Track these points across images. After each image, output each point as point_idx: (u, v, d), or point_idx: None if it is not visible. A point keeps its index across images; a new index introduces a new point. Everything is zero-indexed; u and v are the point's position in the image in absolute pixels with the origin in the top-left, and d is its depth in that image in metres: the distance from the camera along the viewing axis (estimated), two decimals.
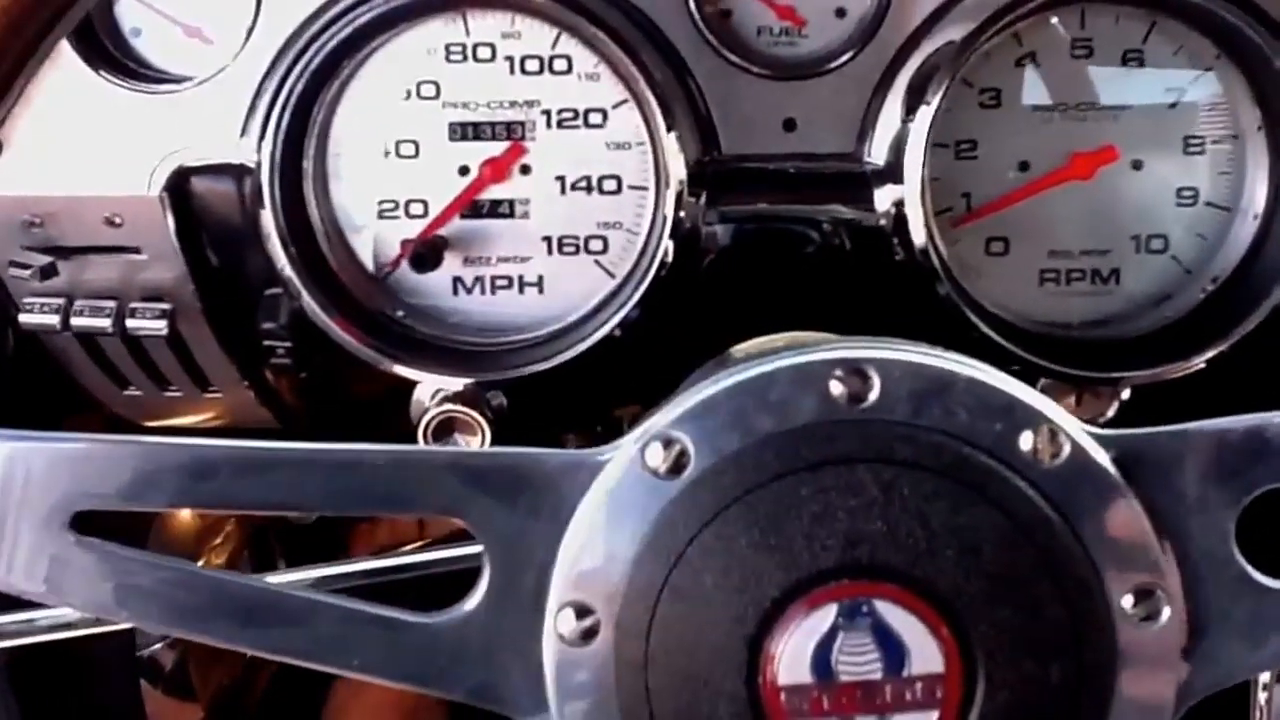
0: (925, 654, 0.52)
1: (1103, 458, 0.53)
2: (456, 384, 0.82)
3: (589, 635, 0.52)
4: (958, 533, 0.51)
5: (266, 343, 0.84)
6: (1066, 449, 0.53)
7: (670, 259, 0.82)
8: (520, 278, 0.86)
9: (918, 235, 0.81)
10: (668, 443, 0.52)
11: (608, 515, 0.52)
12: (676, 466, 0.52)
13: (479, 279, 0.86)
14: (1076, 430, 0.53)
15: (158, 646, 0.99)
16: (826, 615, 0.52)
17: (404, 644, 0.51)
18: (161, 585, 0.50)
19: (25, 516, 0.49)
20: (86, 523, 0.49)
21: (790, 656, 0.52)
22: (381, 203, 0.85)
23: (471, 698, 0.52)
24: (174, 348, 0.85)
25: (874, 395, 0.52)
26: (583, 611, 0.52)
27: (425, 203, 0.84)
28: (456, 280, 0.86)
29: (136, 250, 0.82)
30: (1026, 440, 0.52)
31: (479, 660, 0.52)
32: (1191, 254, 0.86)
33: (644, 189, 0.83)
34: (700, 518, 0.52)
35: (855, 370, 0.53)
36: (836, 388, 0.52)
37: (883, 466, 0.52)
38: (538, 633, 0.52)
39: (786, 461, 0.52)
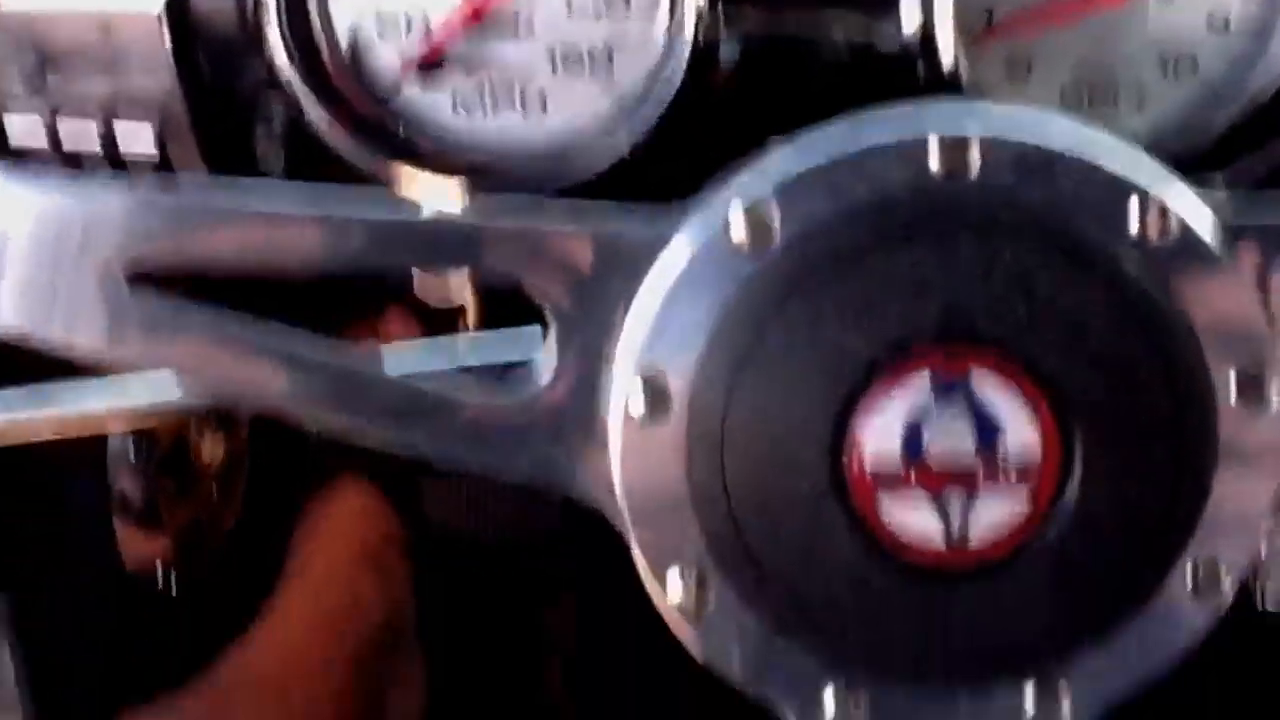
0: (1021, 432, 0.48)
1: (1214, 237, 0.50)
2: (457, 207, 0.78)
3: (660, 413, 0.48)
4: (1062, 307, 0.48)
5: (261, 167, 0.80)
6: (1176, 227, 0.49)
7: (683, 77, 0.77)
8: (522, 93, 0.81)
9: (946, 56, 0.77)
10: (753, 208, 0.48)
11: (685, 284, 0.48)
12: (762, 235, 0.48)
13: (480, 95, 0.81)
14: (1188, 207, 0.49)
15: (125, 479, 0.97)
16: (919, 390, 0.48)
17: (462, 424, 0.47)
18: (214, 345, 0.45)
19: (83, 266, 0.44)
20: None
21: (878, 433, 0.48)
22: (381, 17, 0.80)
23: (532, 480, 0.48)
24: (162, 170, 0.80)
25: (975, 166, 0.49)
26: (654, 388, 0.48)
27: (426, 17, 0.79)
28: (456, 96, 0.81)
29: (128, 67, 0.77)
30: (1134, 216, 0.49)
31: (541, 441, 0.48)
32: (1221, 79, 0.83)
33: (655, 3, 0.79)
34: (786, 287, 0.48)
35: (955, 139, 0.49)
36: (936, 155, 0.49)
37: (984, 237, 0.48)
38: (604, 411, 0.48)
39: (881, 230, 0.48)
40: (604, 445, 0.48)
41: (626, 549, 0.49)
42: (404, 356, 0.49)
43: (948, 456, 0.48)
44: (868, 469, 0.48)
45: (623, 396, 0.48)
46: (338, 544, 1.09)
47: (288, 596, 1.03)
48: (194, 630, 1.00)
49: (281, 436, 1.18)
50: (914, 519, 0.48)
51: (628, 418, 0.48)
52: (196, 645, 0.92)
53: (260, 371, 0.45)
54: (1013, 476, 0.48)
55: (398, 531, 1.13)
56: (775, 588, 0.49)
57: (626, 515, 0.48)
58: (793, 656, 0.50)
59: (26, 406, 0.52)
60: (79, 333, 0.45)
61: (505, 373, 0.48)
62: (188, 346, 0.45)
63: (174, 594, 1.01)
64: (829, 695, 0.50)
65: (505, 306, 0.53)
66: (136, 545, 0.99)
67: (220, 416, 1.06)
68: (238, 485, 1.11)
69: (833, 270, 0.47)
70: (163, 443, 0.99)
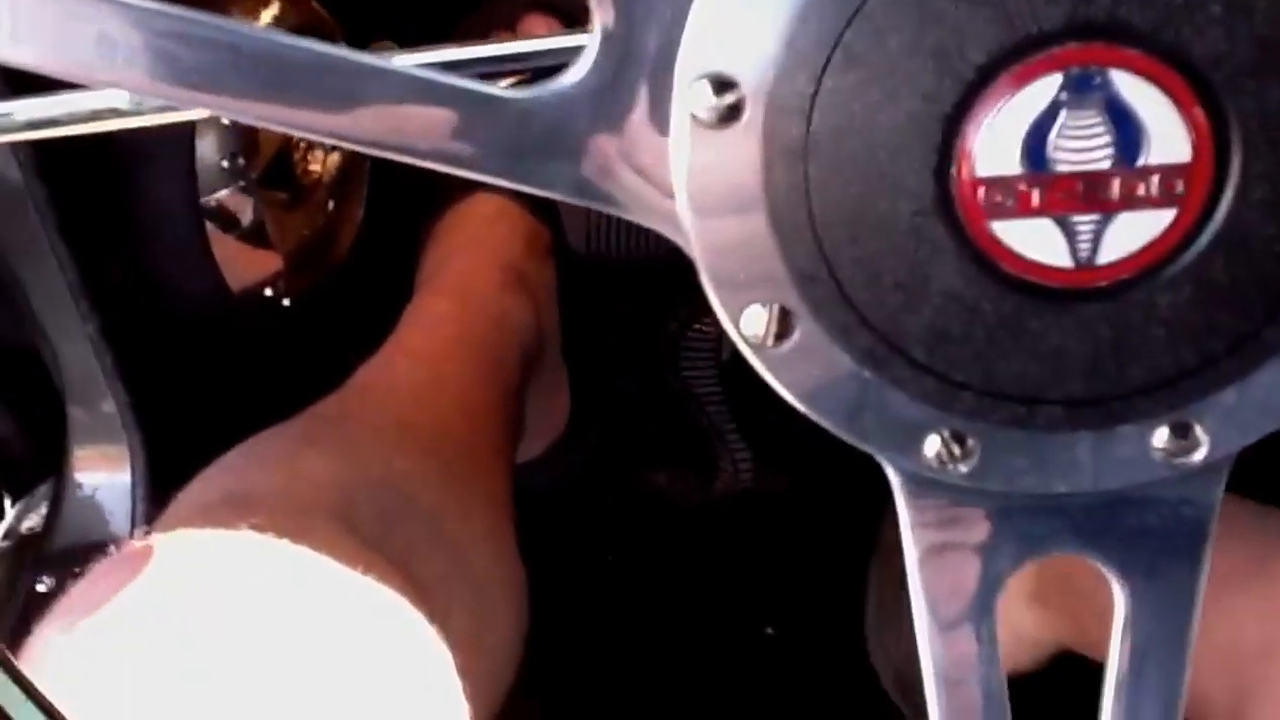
0: (1168, 139, 0.40)
1: None
2: None
3: (731, 115, 0.40)
4: None
5: None
6: None
7: None
8: None
9: None
10: None
11: None
12: None
13: None
14: None
15: (225, 193, 0.88)
16: (1047, 89, 0.40)
17: (489, 125, 0.39)
18: (159, 38, 0.38)
19: None
20: None
21: (995, 141, 0.40)
22: None
23: (568, 192, 0.41)
24: None
25: None
26: (723, 85, 0.40)
27: None
28: None
29: None
30: None
31: (581, 147, 0.41)
32: None
33: None
34: None
35: None
36: None
37: None
38: (661, 114, 0.41)
39: None
40: (660, 157, 0.41)
41: None
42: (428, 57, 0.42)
43: (1078, 171, 0.40)
44: (979, 191, 0.40)
45: (683, 97, 0.40)
46: (477, 254, 1.00)
47: (424, 306, 0.94)
48: (312, 350, 0.94)
49: None
50: (1034, 239, 0.41)
51: (693, 124, 0.40)
52: (314, 367, 0.83)
53: (213, 67, 0.38)
54: (1154, 190, 0.40)
55: (542, 239, 1.05)
56: (868, 320, 0.42)
57: (693, 241, 0.41)
58: (890, 397, 0.43)
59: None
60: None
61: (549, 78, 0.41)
62: (106, 47, 0.38)
63: (287, 317, 0.94)
64: (933, 440, 0.44)
65: None
66: (243, 266, 0.91)
67: None
68: (356, 196, 1.02)
69: None
70: (264, 151, 0.90)
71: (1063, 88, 0.40)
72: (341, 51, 0.38)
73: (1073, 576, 0.82)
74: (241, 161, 0.87)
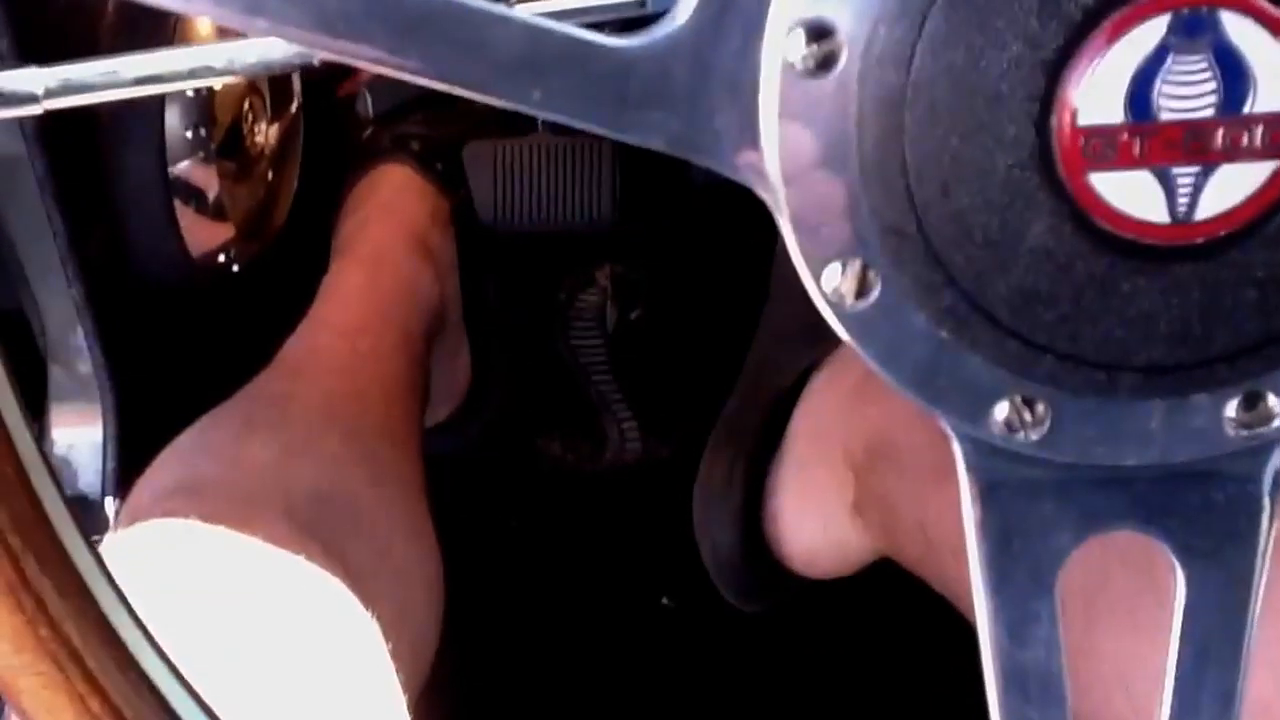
0: (1276, 87, 0.38)
1: None
2: None
3: (827, 63, 0.37)
4: None
5: None
6: None
7: None
8: None
9: None
10: None
11: None
12: None
13: None
14: None
15: (184, 164, 0.90)
16: (1152, 32, 0.38)
17: (594, 73, 0.36)
18: None
19: None
20: None
21: (1098, 89, 0.38)
22: None
23: (665, 143, 0.38)
24: None
25: None
26: (820, 32, 0.37)
27: None
28: None
29: None
30: None
31: (679, 96, 0.38)
32: None
33: None
34: None
35: None
36: None
37: None
38: (755, 63, 0.38)
39: None
40: (753, 107, 0.38)
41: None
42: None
43: (1181, 120, 0.38)
44: (1081, 140, 0.38)
45: (779, 43, 0.37)
46: (385, 223, 1.04)
47: (340, 278, 0.99)
48: (257, 315, 0.96)
49: (330, 114, 1.11)
50: (1132, 193, 0.39)
51: (785, 69, 0.37)
52: (257, 331, 0.89)
53: (350, 11, 0.34)
54: (1258, 141, 0.38)
55: (443, 210, 1.09)
56: (954, 278, 0.39)
57: (780, 195, 0.38)
58: (966, 360, 0.41)
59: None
60: None
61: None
62: None
63: (238, 279, 0.97)
64: (1003, 406, 0.41)
65: None
66: (201, 231, 0.94)
67: (274, 94, 1.00)
68: (291, 168, 1.06)
69: None
70: (220, 121, 0.93)
71: (1170, 29, 0.37)
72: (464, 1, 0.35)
73: (888, 495, 0.87)
74: (204, 132, 0.89)
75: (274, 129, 1.01)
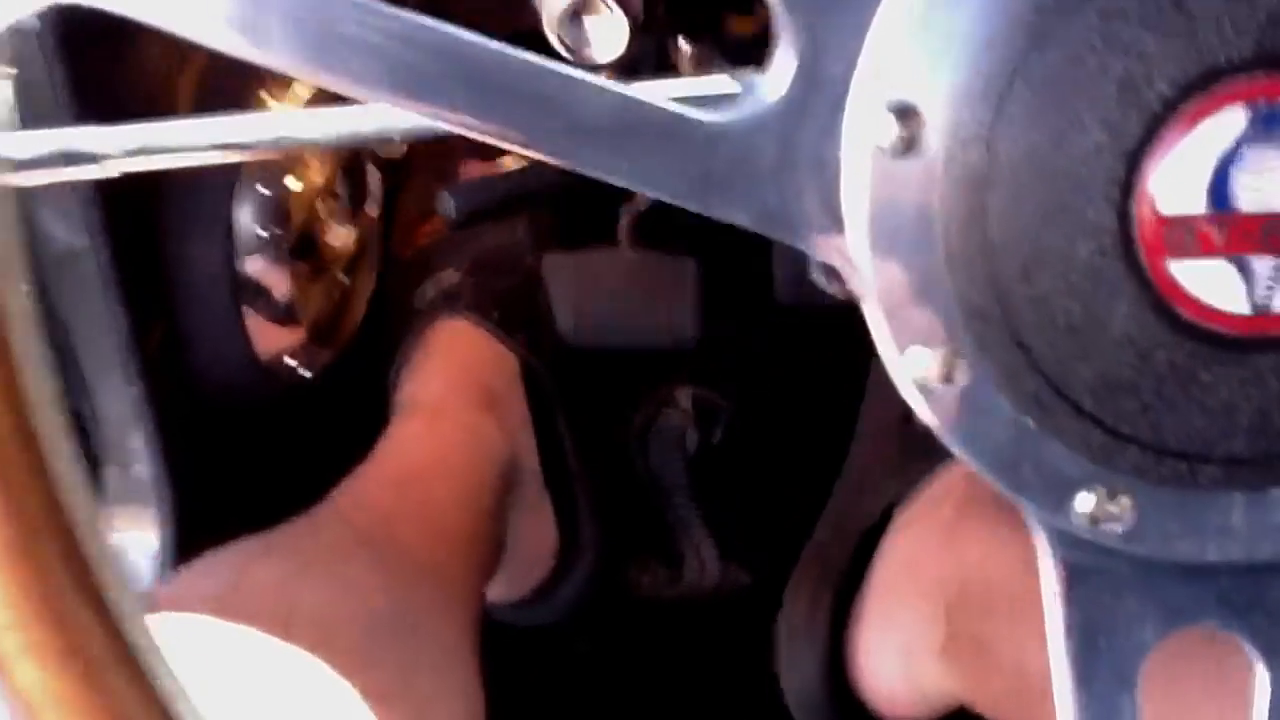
0: None
1: None
2: None
3: (909, 145, 0.39)
4: None
5: None
6: None
7: None
8: None
9: None
10: None
11: None
12: None
13: None
14: None
15: (254, 263, 0.88)
16: (1232, 123, 0.39)
17: (682, 147, 0.38)
18: (382, 37, 0.36)
19: None
20: None
21: (1178, 178, 0.39)
22: None
23: (750, 220, 0.39)
24: None
25: None
26: (905, 113, 0.39)
27: None
28: None
29: None
30: None
31: (766, 174, 0.39)
32: None
33: None
34: None
35: None
36: None
37: None
38: (838, 143, 0.39)
39: None
40: (837, 188, 0.39)
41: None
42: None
43: (1262, 212, 0.39)
44: (1163, 230, 0.39)
45: (866, 127, 0.38)
46: (443, 376, 1.01)
47: (394, 429, 0.95)
48: (326, 424, 0.94)
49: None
50: (1212, 282, 0.39)
51: (871, 154, 0.38)
52: (326, 441, 0.87)
53: (431, 72, 0.36)
54: None
55: (508, 361, 1.05)
56: (1038, 363, 0.40)
57: (865, 276, 0.39)
58: (1050, 447, 0.41)
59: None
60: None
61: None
62: (335, 43, 0.36)
63: (308, 386, 0.94)
64: (1086, 497, 0.42)
65: None
66: (270, 333, 0.91)
67: (353, 197, 0.98)
68: (367, 273, 1.03)
69: None
70: (294, 220, 0.90)
71: (1249, 120, 0.38)
72: (556, 67, 0.36)
73: (982, 635, 0.83)
74: (278, 231, 0.87)
75: (350, 232, 0.99)
